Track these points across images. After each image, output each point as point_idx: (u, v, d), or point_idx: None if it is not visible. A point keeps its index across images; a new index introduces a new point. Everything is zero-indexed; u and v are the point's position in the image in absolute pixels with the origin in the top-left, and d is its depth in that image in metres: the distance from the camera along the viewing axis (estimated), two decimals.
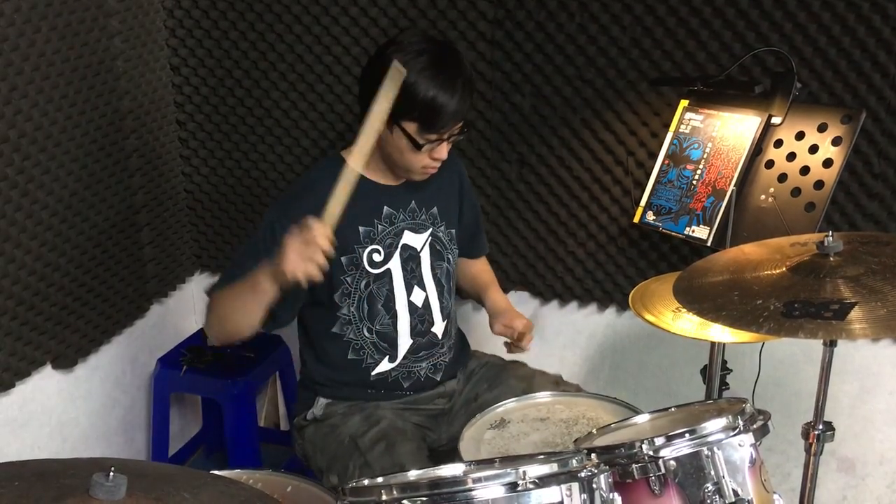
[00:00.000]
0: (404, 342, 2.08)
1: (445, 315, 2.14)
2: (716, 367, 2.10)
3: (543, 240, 2.63)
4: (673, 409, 1.64)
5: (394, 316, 2.05)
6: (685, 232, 2.21)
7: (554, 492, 1.13)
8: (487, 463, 1.40)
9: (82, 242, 2.36)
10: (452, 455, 1.89)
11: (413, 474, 1.38)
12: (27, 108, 2.13)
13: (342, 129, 2.66)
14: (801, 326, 1.35)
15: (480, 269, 2.35)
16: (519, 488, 1.12)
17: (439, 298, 2.11)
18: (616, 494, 1.22)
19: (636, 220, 2.33)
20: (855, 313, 1.35)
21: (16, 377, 2.20)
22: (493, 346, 2.29)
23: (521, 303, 2.68)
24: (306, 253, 1.68)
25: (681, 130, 2.28)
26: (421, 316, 2.09)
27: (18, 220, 2.13)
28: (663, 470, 1.28)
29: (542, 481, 1.14)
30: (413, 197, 2.07)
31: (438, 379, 2.13)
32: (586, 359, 2.76)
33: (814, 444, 1.64)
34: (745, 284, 1.52)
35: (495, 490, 1.13)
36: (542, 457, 1.28)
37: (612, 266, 2.60)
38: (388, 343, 2.06)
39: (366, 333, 2.05)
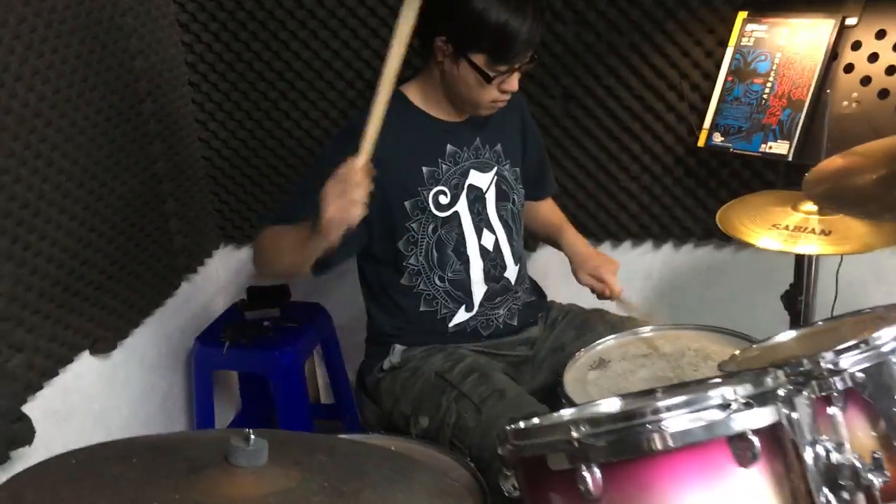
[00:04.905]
0: (479, 289, 1.94)
1: (517, 258, 2.00)
2: (812, 284, 1.97)
3: (593, 177, 2.49)
4: (820, 323, 1.51)
5: (465, 262, 1.91)
6: (761, 149, 2.08)
7: (769, 412, 0.97)
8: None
9: (110, 216, 2.17)
10: (547, 402, 1.75)
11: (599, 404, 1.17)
12: (43, 68, 1.93)
13: (362, 86, 2.49)
14: None
15: (550, 210, 2.21)
16: (732, 409, 0.96)
17: (509, 241, 1.98)
18: (837, 409, 1.08)
19: (701, 143, 2.20)
20: None
21: (58, 364, 2.01)
22: (568, 294, 2.15)
23: None
24: (344, 194, 1.52)
25: (742, 44, 2.14)
26: (493, 260, 1.95)
27: (46, 191, 1.94)
28: (851, 383, 1.14)
29: (756, 400, 0.98)
30: (477, 134, 1.93)
31: (516, 324, 1.99)
32: (644, 300, 2.63)
33: None
34: None
35: (710, 414, 0.95)
36: (724, 377, 1.13)
37: (668, 198, 2.47)
38: (463, 291, 1.92)
39: (437, 283, 1.90)
